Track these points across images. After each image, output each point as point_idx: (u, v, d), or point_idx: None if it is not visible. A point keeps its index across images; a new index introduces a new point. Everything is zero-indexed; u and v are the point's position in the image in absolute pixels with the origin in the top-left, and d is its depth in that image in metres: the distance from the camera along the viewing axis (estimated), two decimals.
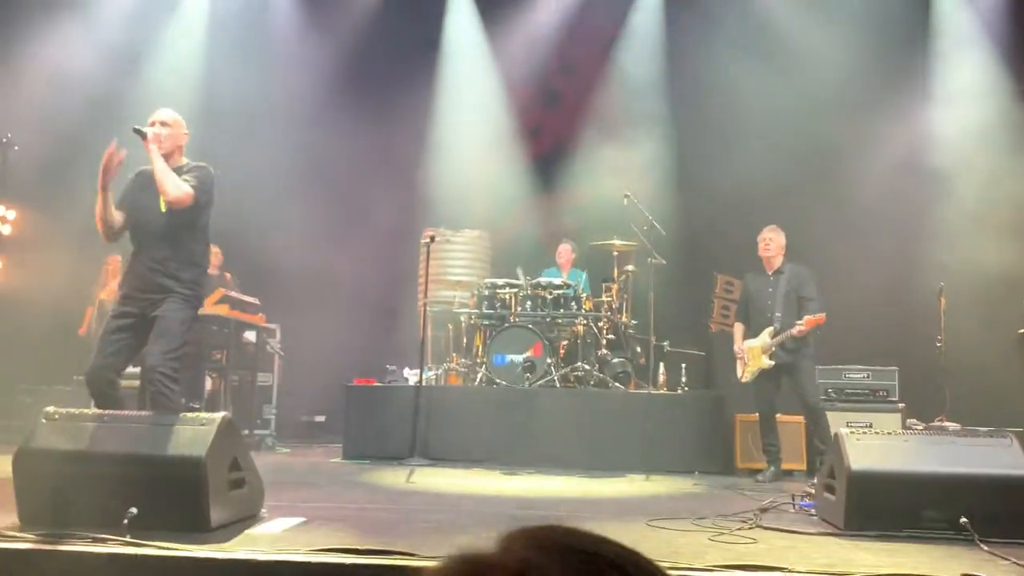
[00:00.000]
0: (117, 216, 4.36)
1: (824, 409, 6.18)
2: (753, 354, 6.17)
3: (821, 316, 5.90)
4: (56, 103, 8.34)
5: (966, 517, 3.49)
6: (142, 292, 4.28)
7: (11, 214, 8.95)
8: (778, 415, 6.32)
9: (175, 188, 4.24)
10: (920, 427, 6.88)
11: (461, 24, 10.05)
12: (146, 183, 4.40)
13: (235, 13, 9.56)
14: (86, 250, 8.25)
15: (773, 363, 6.06)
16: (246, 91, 9.03)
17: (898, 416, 6.76)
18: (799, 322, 5.92)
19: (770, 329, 6.11)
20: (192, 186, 4.29)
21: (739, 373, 6.34)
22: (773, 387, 6.19)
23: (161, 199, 4.27)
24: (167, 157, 4.33)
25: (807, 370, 6.12)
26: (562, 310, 7.46)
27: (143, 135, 4.31)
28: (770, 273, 6.29)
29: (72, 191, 8.29)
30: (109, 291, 8.67)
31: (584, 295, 7.55)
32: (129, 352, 4.28)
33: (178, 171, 4.35)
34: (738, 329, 6.43)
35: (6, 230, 8.90)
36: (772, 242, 6.28)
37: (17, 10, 8.69)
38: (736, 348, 6.37)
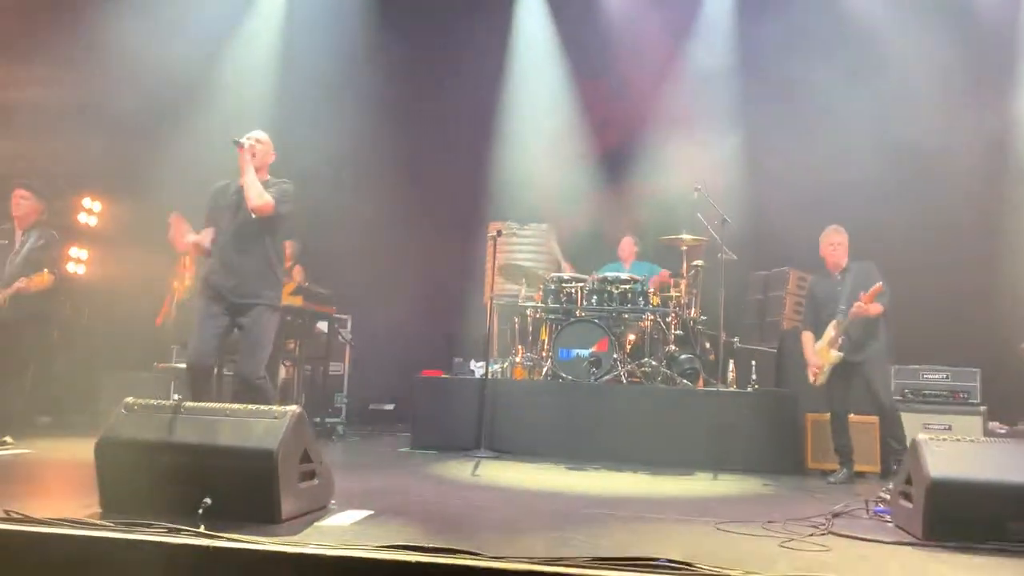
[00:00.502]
0: (205, 239, 5.01)
1: (898, 409, 6.00)
2: (822, 353, 6.00)
3: (878, 285, 5.73)
4: (136, 96, 8.56)
5: None
6: (230, 292, 4.86)
7: (97, 206, 9.29)
8: (851, 415, 6.15)
9: (259, 197, 4.84)
10: (1003, 431, 6.62)
11: (531, 15, 10.02)
12: (229, 193, 5.02)
13: (309, 2, 9.71)
14: (163, 242, 8.51)
15: (842, 355, 5.88)
16: (318, 82, 9.18)
17: (979, 419, 6.51)
18: (857, 302, 5.76)
19: (834, 321, 5.94)
20: (274, 198, 4.88)
21: (812, 379, 6.12)
22: (844, 386, 6.01)
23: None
24: (255, 171, 4.92)
25: (879, 368, 5.94)
26: (629, 305, 7.39)
27: (240, 144, 4.90)
28: (837, 274, 6.15)
29: (150, 183, 8.56)
30: (183, 283, 8.94)
31: (651, 291, 7.46)
32: (222, 338, 4.87)
33: (265, 185, 4.94)
34: (808, 338, 6.20)
35: (92, 222, 9.24)
36: (840, 245, 6.12)
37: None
38: (808, 356, 6.14)
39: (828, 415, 6.15)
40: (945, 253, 7.65)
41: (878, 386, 5.87)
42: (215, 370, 4.76)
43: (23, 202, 6.59)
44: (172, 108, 8.77)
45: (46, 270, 6.34)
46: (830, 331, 5.95)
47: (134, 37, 8.33)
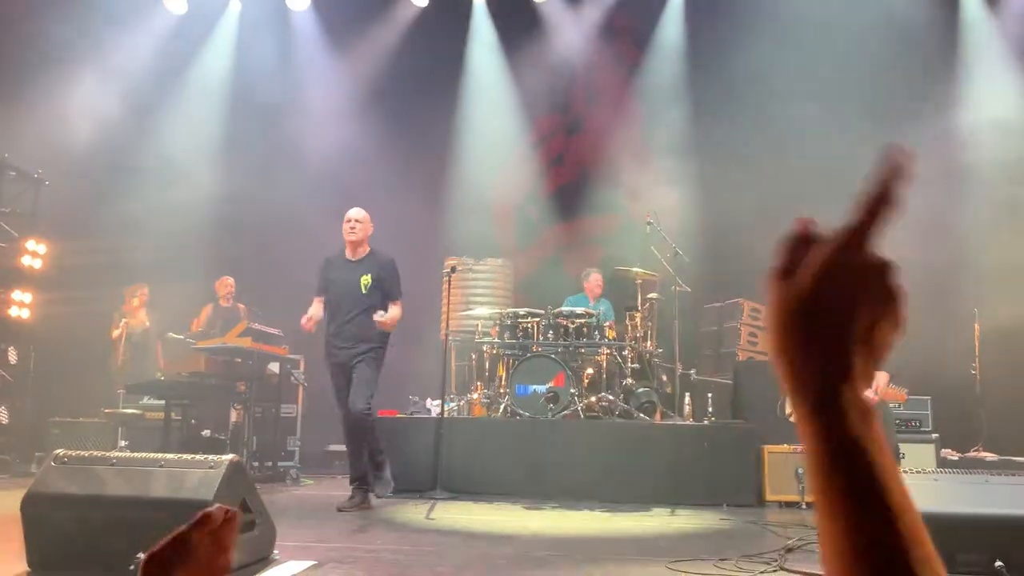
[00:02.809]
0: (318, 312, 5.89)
1: None
2: None
3: (900, 393, 5.66)
4: (81, 141, 8.46)
5: (1001, 561, 3.33)
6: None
7: (42, 248, 9.08)
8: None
9: (396, 323, 5.84)
10: (955, 457, 6.67)
11: (483, 53, 10.09)
12: (343, 266, 5.90)
13: (258, 50, 9.71)
14: (109, 285, 8.38)
15: None
16: (271, 122, 9.13)
17: (932, 447, 6.55)
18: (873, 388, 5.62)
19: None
20: (397, 296, 5.90)
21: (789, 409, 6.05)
22: None
23: (362, 282, 5.79)
24: (359, 244, 5.83)
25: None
26: (584, 339, 7.36)
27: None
28: None
29: (97, 225, 8.41)
30: (136, 320, 8.75)
31: (606, 323, 7.45)
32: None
33: (369, 257, 5.83)
34: None
35: (37, 264, 9.02)
36: None
37: (46, 50, 8.84)
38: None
39: (784, 447, 6.13)
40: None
41: None
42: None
43: None
44: (118, 149, 8.67)
45: None
46: None
47: (75, 87, 8.27)
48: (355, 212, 5.83)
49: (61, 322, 8.95)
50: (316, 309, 5.88)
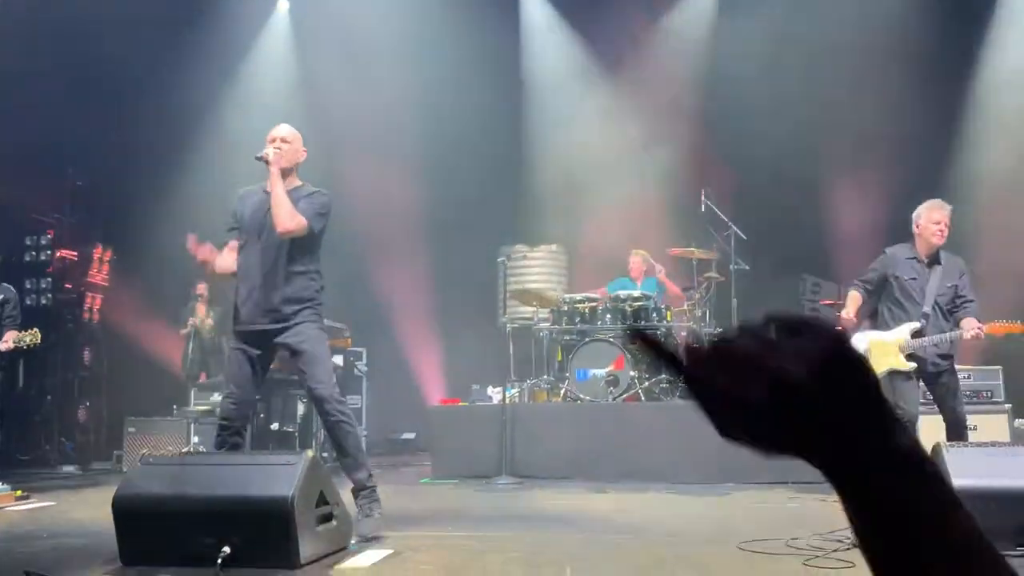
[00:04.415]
0: (229, 263, 4.34)
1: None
2: (884, 350, 5.00)
3: (1019, 324, 4.88)
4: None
5: None
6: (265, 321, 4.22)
7: (108, 255, 9.41)
8: None
9: (289, 218, 4.11)
10: None
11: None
12: (257, 204, 4.30)
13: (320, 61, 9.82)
14: (174, 282, 8.64)
15: (914, 366, 4.94)
16: (333, 115, 9.25)
17: (1005, 417, 6.42)
18: (976, 324, 4.85)
19: (914, 326, 4.98)
20: (307, 215, 4.18)
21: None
22: (915, 390, 5.07)
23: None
24: (284, 175, 4.20)
25: (957, 381, 5.13)
26: (643, 321, 7.36)
27: (264, 160, 4.18)
28: (926, 260, 5.08)
29: (159, 226, 8.66)
30: (205, 321, 8.99)
31: (664, 306, 7.44)
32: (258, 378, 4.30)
33: (296, 192, 4.25)
34: (853, 299, 5.16)
35: (104, 270, 9.35)
36: (943, 225, 5.00)
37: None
38: (843, 315, 5.10)
39: None
40: (972, 238, 7.37)
41: (958, 397, 5.08)
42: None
43: None
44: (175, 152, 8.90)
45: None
46: (904, 333, 4.99)
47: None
48: (282, 128, 4.34)
49: (128, 324, 9.27)
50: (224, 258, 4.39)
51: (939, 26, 8.13)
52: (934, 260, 5.07)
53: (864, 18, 8.32)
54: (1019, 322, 4.90)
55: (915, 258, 5.10)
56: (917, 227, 5.09)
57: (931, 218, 5.02)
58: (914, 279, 5.07)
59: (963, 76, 8.30)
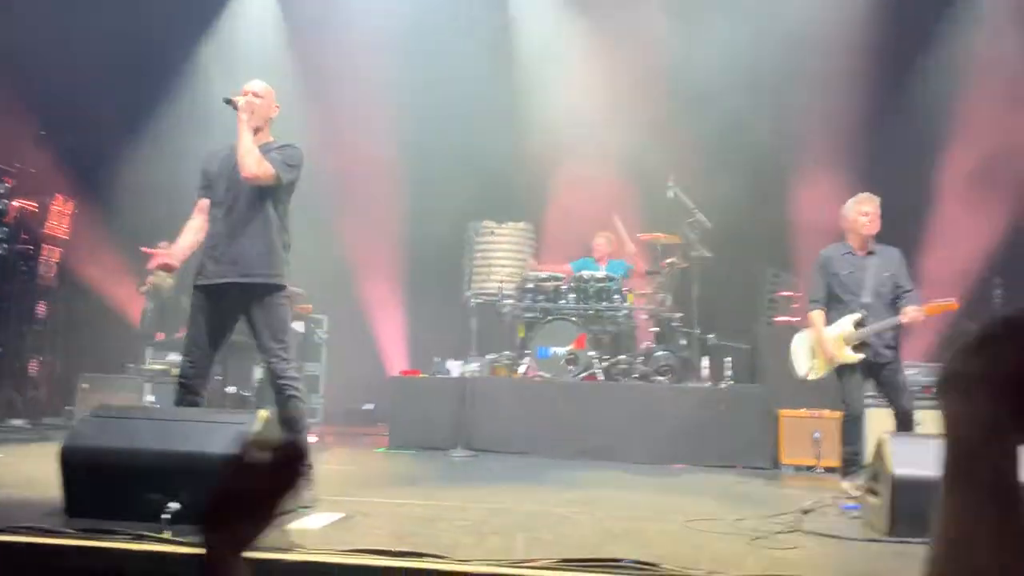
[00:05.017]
0: (189, 243, 4.29)
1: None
2: (827, 345, 5.12)
3: (952, 302, 4.95)
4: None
5: None
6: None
7: (69, 207, 9.20)
8: (826, 412, 6.16)
9: (256, 164, 4.01)
10: None
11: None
12: (223, 158, 4.22)
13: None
14: (136, 238, 8.47)
15: (862, 357, 5.03)
16: (307, 69, 9.13)
17: None
18: (914, 307, 4.92)
19: (855, 317, 5.07)
20: (276, 163, 4.09)
21: (802, 369, 5.34)
22: (861, 384, 5.14)
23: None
24: (255, 131, 4.12)
25: (903, 370, 5.21)
26: (605, 303, 7.41)
27: (234, 105, 4.10)
28: (862, 253, 5.20)
29: (122, 182, 8.51)
30: (159, 277, 8.86)
31: (626, 289, 7.50)
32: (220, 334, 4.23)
33: (266, 148, 4.15)
34: (819, 318, 5.19)
35: (64, 223, 9.16)
36: (873, 216, 5.13)
37: None
38: (822, 340, 5.14)
39: (802, 411, 6.17)
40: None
41: (904, 390, 5.10)
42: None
43: None
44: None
45: None
46: (846, 325, 5.10)
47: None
48: (255, 83, 4.26)
49: (87, 279, 9.12)
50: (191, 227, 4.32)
51: (907, 22, 8.26)
52: (869, 251, 5.20)
53: (834, 11, 8.41)
54: (952, 300, 5.02)
55: (850, 252, 5.23)
56: (846, 222, 5.24)
57: (859, 210, 5.17)
58: (852, 273, 5.19)
59: (929, 72, 8.41)
